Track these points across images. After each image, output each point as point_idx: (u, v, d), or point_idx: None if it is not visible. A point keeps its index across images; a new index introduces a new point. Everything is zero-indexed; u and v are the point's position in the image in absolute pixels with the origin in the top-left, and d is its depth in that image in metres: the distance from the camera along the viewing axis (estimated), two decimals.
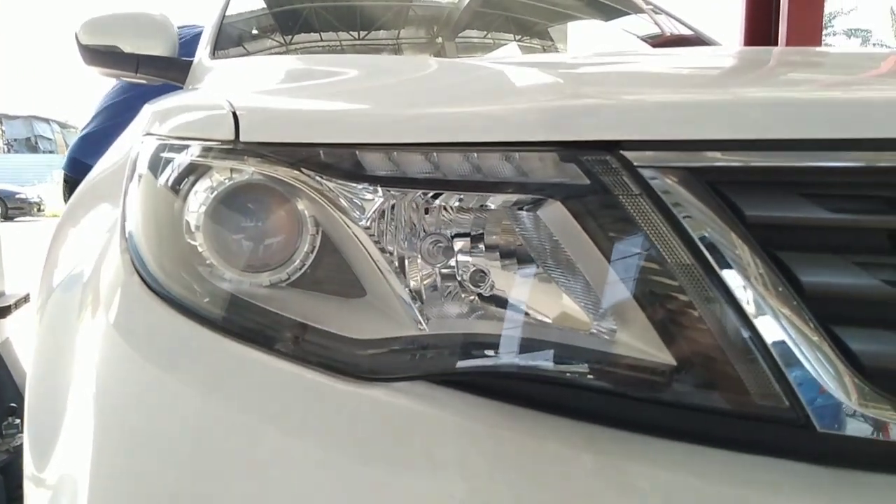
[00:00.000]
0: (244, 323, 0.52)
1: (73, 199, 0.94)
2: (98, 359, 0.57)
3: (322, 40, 2.02)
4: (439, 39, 2.19)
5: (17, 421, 1.80)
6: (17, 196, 16.84)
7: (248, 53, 1.79)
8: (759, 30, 2.79)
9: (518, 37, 2.27)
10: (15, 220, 15.28)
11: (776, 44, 2.71)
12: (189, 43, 1.90)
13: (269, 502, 0.45)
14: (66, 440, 0.58)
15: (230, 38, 1.74)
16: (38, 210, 17.46)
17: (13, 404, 1.81)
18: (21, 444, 1.77)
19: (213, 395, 0.50)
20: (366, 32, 2.11)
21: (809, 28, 2.71)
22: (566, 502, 0.41)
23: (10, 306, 1.86)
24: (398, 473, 0.43)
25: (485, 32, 2.30)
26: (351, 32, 2.09)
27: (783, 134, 0.45)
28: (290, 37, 1.99)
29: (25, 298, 1.96)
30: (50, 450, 0.60)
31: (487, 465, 0.42)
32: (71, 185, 2.45)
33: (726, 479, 0.41)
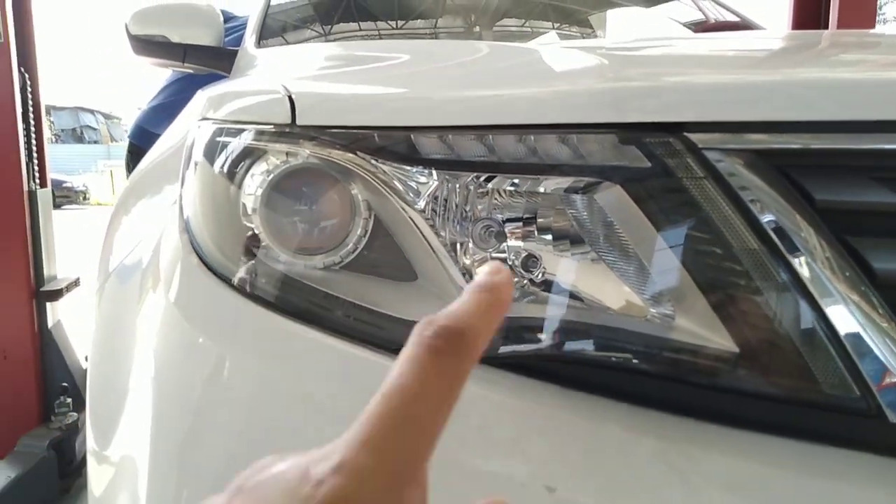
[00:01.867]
0: (300, 303, 0.53)
1: (129, 185, 0.96)
2: (158, 337, 0.59)
3: (361, 30, 2.03)
4: (477, 28, 2.17)
5: (69, 400, 1.87)
6: (65, 185, 17.37)
7: (290, 43, 1.80)
8: (809, 17, 2.70)
9: (558, 25, 2.24)
10: (62, 207, 15.78)
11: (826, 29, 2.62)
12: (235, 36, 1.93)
13: None
14: (127, 418, 0.60)
15: (274, 28, 1.76)
16: (84, 198, 18.01)
17: (65, 384, 1.88)
18: (73, 422, 1.85)
19: (269, 371, 0.51)
20: (403, 22, 2.11)
21: (863, 15, 2.61)
22: (626, 485, 0.40)
23: (61, 290, 1.92)
24: (457, 454, 0.43)
25: (523, 21, 2.27)
26: (389, 22, 2.09)
27: (854, 116, 0.44)
28: (329, 26, 2.00)
29: (76, 282, 2.03)
30: (113, 427, 0.62)
31: (548, 447, 0.42)
32: (135, 154, 2.52)
33: (793, 468, 0.40)
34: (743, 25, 1.98)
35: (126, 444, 0.60)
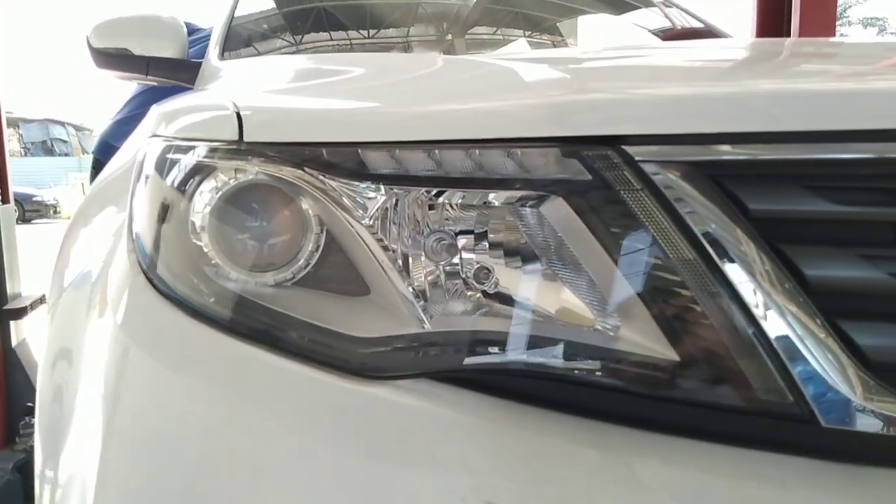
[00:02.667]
0: (250, 323, 0.53)
1: (86, 199, 0.95)
2: (106, 359, 0.58)
3: (332, 39, 2.03)
4: (449, 36, 2.19)
5: (34, 420, 1.83)
6: (35, 199, 17.05)
7: (258, 53, 1.79)
8: (772, 23, 2.76)
9: (528, 33, 2.27)
10: (32, 222, 15.48)
11: (789, 35, 2.69)
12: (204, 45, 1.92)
13: (274, 499, 0.46)
14: (75, 439, 0.59)
15: (239, 39, 1.75)
16: (55, 212, 17.67)
17: (30, 404, 1.84)
18: None
19: (220, 394, 0.50)
20: (375, 31, 2.12)
21: (823, 20, 2.67)
22: (570, 498, 0.41)
23: (25, 308, 1.89)
24: (402, 470, 0.43)
25: (494, 29, 2.29)
26: (360, 31, 2.10)
27: (786, 126, 0.45)
28: (299, 36, 2.00)
29: (41, 300, 1.99)
30: (59, 449, 0.61)
31: (490, 461, 0.42)
32: (98, 170, 2.49)
33: (731, 474, 0.40)
34: (708, 32, 2.02)
35: (74, 467, 0.59)
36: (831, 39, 1.29)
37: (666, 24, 2.20)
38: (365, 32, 2.10)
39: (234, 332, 0.52)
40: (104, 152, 2.51)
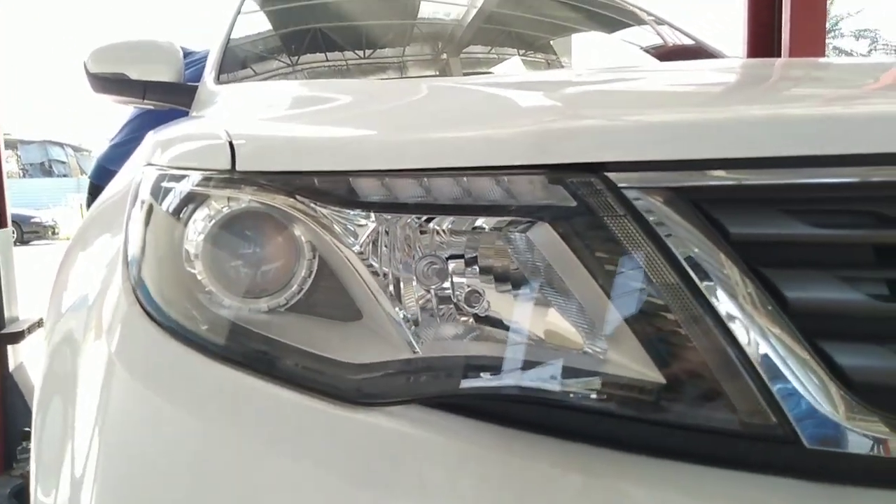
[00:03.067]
0: (243, 350, 0.53)
1: (83, 223, 0.96)
2: (101, 387, 0.58)
3: (328, 60, 2.05)
4: (444, 56, 2.21)
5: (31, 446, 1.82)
6: (33, 220, 17.07)
7: (254, 75, 1.81)
8: (762, 36, 2.79)
9: (522, 51, 2.29)
10: (30, 243, 15.48)
11: (779, 50, 2.72)
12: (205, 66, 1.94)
13: None
14: (71, 468, 0.59)
15: (235, 62, 1.76)
16: (53, 233, 17.68)
17: (27, 429, 1.83)
18: None
19: (213, 421, 0.51)
20: (371, 51, 2.14)
21: (812, 34, 2.71)
22: None
23: (23, 331, 1.89)
24: (391, 497, 0.43)
25: (489, 48, 2.32)
26: (356, 52, 2.12)
27: (767, 152, 0.46)
28: (295, 58, 2.02)
29: (39, 323, 2.00)
30: (55, 476, 0.61)
31: (476, 487, 0.43)
32: (96, 194, 2.50)
33: (716, 496, 0.41)
34: (699, 50, 2.05)
35: (70, 495, 0.59)
36: (818, 60, 1.30)
37: (658, 41, 2.23)
38: (360, 53, 2.12)
39: (228, 359, 0.53)
40: (101, 176, 2.53)
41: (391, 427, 0.47)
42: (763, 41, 2.84)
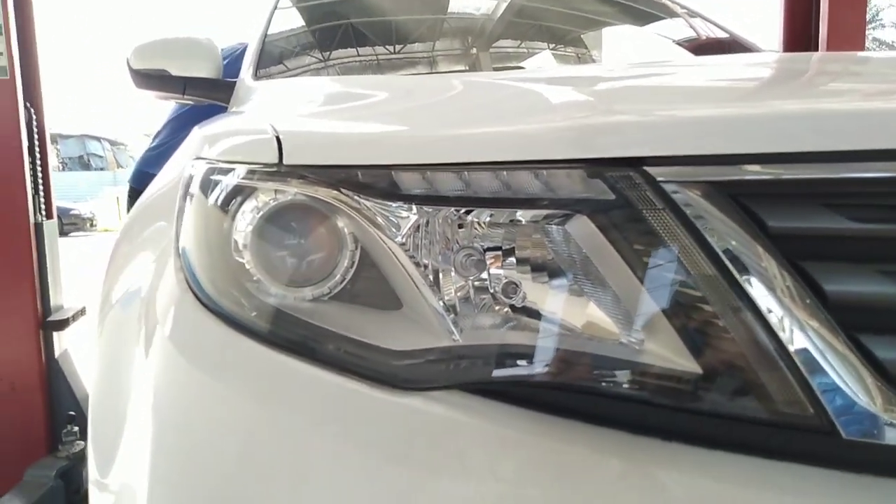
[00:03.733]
0: (288, 335, 0.56)
1: (129, 218, 0.99)
2: (155, 371, 0.61)
3: (359, 55, 2.07)
4: (474, 50, 2.21)
5: (76, 429, 1.89)
6: (72, 212, 17.54)
7: (289, 70, 1.84)
8: (799, 30, 2.74)
9: (552, 45, 2.28)
10: (69, 235, 15.91)
11: (817, 42, 2.66)
12: (233, 62, 1.98)
13: (311, 501, 0.48)
14: (126, 448, 0.62)
15: (271, 58, 1.80)
16: (91, 225, 18.16)
17: (72, 412, 1.90)
18: (79, 451, 1.87)
19: (261, 402, 0.53)
20: (402, 46, 2.15)
21: (852, 27, 2.64)
22: None
23: (67, 319, 1.96)
24: (432, 477, 0.45)
25: (519, 42, 2.31)
26: (387, 46, 2.14)
27: (806, 147, 0.46)
28: (328, 53, 2.05)
29: (82, 311, 2.06)
30: (112, 457, 0.65)
31: (517, 469, 0.44)
32: (135, 198, 2.57)
33: (752, 484, 0.42)
34: (734, 43, 2.01)
35: (125, 473, 0.62)
36: (857, 54, 1.28)
37: (690, 34, 2.20)
38: (392, 48, 2.14)
39: (274, 343, 0.55)
40: (140, 181, 2.59)
41: (432, 410, 0.49)
42: (800, 33, 2.78)
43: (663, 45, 2.19)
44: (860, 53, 1.25)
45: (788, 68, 0.87)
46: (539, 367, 0.50)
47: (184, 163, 0.76)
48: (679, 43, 2.16)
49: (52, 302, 1.97)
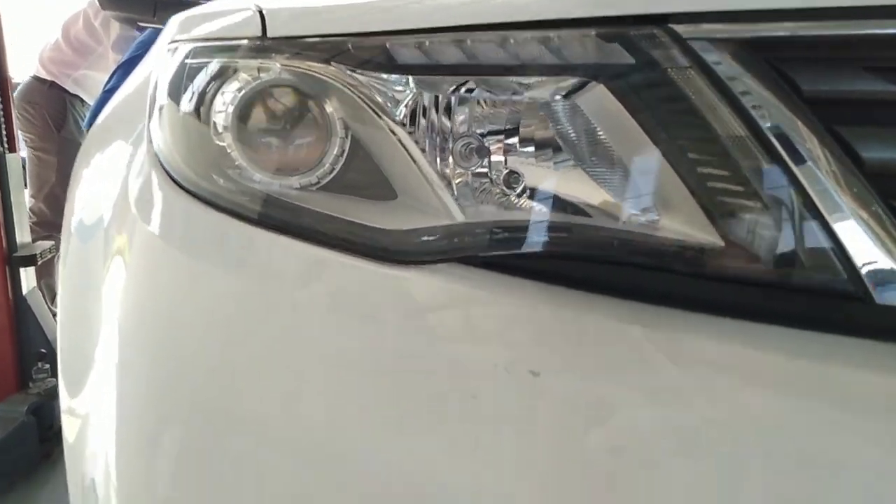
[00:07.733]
0: (279, 216, 0.52)
1: (86, 141, 0.92)
2: (133, 264, 0.57)
3: None
4: None
5: (47, 366, 1.84)
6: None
7: None
8: None
9: None
10: None
11: None
12: None
13: (310, 370, 0.46)
14: (99, 355, 0.58)
15: None
16: None
17: (43, 350, 1.85)
18: (52, 388, 1.82)
19: (250, 281, 0.50)
20: None
21: None
22: (615, 367, 0.40)
23: (35, 255, 1.88)
24: (441, 343, 0.42)
25: None
26: None
27: (843, 1, 0.43)
28: None
29: (50, 249, 1.99)
30: (84, 373, 0.61)
31: (530, 335, 0.41)
32: None
33: (779, 350, 0.39)
34: None
35: (97, 381, 0.58)
36: None
37: None
38: None
39: (263, 224, 0.51)
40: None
41: (435, 282, 0.46)
42: None
43: None
44: None
45: None
46: (545, 238, 0.46)
47: (150, 67, 0.71)
48: None
49: (19, 238, 1.89)
